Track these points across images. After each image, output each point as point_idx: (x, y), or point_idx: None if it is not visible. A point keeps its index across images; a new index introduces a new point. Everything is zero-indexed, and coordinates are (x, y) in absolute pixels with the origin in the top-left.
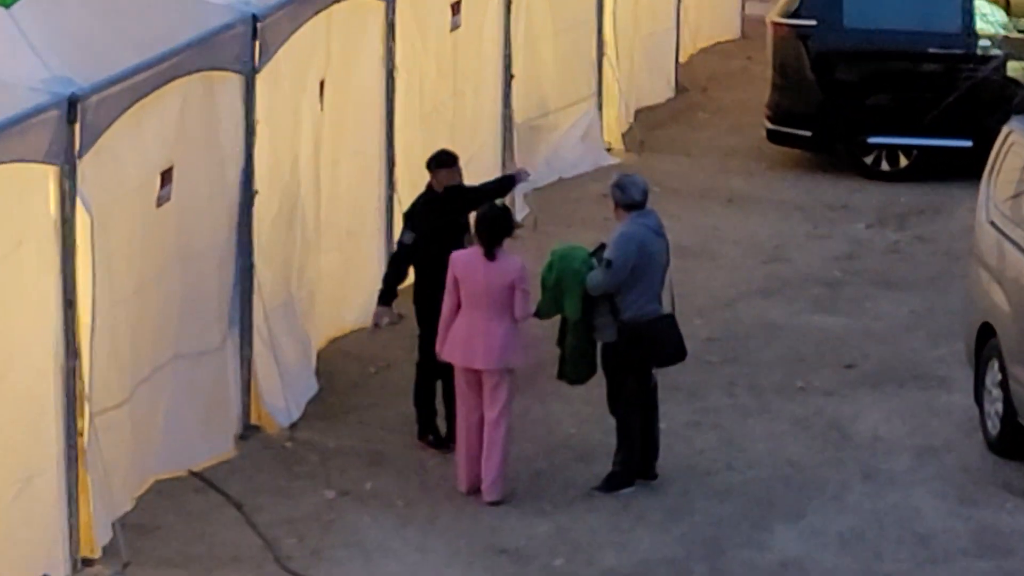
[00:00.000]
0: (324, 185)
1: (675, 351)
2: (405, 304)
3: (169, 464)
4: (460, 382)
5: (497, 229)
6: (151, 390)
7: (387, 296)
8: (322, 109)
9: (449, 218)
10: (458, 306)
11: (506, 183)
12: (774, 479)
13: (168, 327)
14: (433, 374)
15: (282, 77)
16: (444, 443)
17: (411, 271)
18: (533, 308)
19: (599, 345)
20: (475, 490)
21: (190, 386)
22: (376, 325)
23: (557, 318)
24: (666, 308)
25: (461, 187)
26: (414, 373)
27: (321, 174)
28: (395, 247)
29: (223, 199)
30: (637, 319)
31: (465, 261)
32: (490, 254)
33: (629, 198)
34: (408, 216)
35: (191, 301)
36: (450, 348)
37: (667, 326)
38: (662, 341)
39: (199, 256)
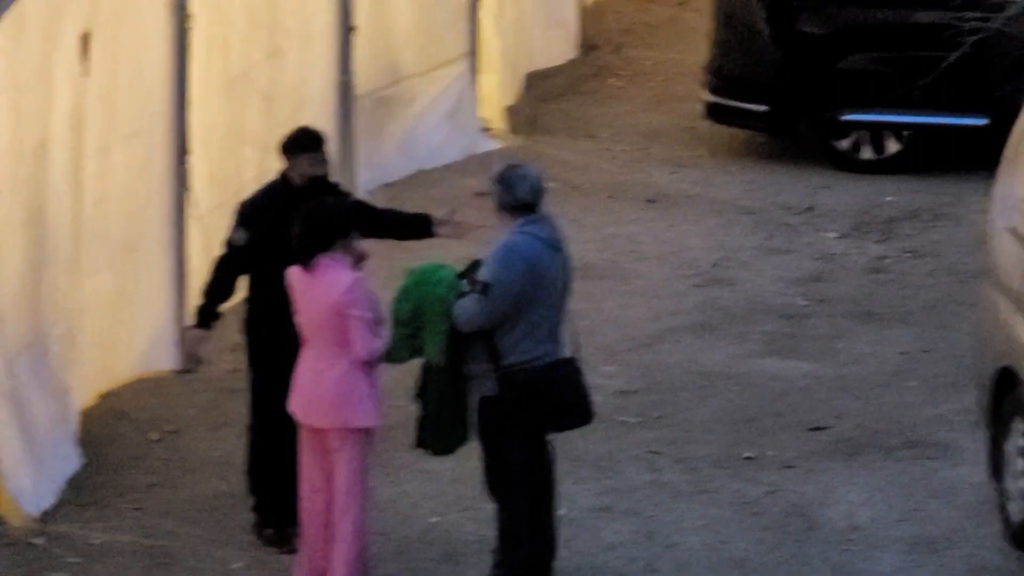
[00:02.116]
0: (88, 180)
1: (577, 410)
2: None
3: None
4: (302, 446)
5: (317, 228)
6: None
7: (207, 314)
8: (87, 74)
9: None
10: None
11: (418, 226)
12: None
13: None
14: (271, 438)
15: (28, 29)
16: (287, 539)
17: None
18: (382, 344)
19: (474, 401)
20: None
21: None
22: (192, 358)
23: (416, 363)
24: (564, 350)
25: (328, 183)
26: (219, 440)
27: (84, 164)
28: (220, 250)
29: None
30: (524, 365)
31: (292, 276)
32: (306, 263)
33: (515, 197)
34: (243, 209)
35: None
36: (291, 395)
37: (567, 374)
38: (559, 395)
39: None
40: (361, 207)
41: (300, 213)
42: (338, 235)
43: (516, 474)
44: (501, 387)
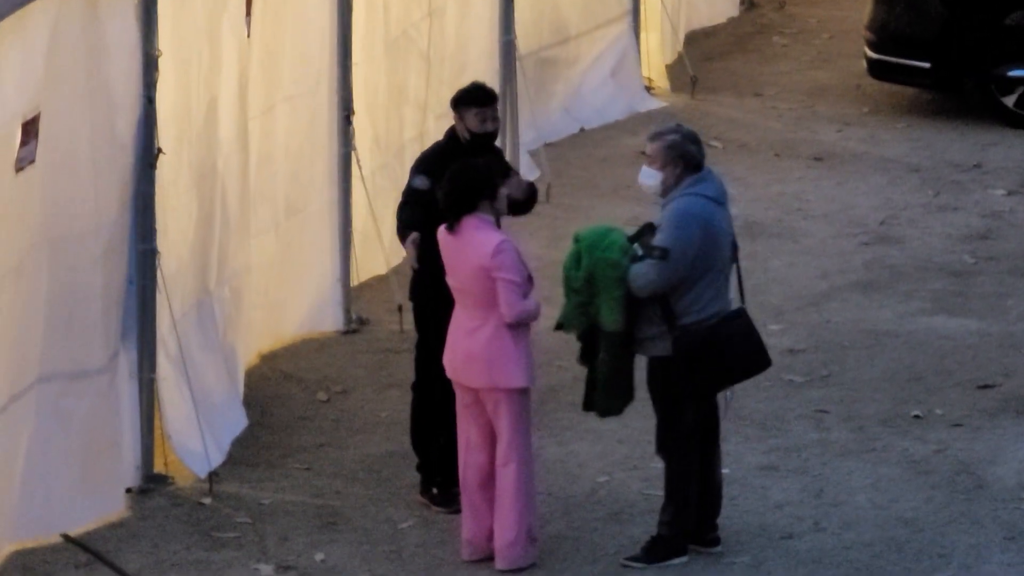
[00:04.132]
0: (254, 141)
1: (756, 358)
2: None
3: (35, 528)
4: (458, 404)
5: (461, 188)
6: (7, 426)
7: (408, 230)
8: (249, 35)
9: None
10: None
11: (532, 199)
12: (881, 543)
13: (31, 339)
14: (435, 399)
15: None
16: (452, 498)
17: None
18: (531, 306)
19: (646, 363)
20: (483, 557)
21: (63, 420)
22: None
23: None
24: (731, 304)
25: (493, 140)
26: (386, 401)
27: (250, 126)
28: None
29: (111, 161)
30: (699, 325)
31: (442, 240)
32: (451, 225)
33: (702, 155)
34: (422, 161)
35: (65, 302)
36: (445, 352)
37: (740, 327)
38: (737, 347)
39: (77, 239)
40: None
41: (446, 173)
42: (483, 196)
43: (688, 433)
44: (677, 347)
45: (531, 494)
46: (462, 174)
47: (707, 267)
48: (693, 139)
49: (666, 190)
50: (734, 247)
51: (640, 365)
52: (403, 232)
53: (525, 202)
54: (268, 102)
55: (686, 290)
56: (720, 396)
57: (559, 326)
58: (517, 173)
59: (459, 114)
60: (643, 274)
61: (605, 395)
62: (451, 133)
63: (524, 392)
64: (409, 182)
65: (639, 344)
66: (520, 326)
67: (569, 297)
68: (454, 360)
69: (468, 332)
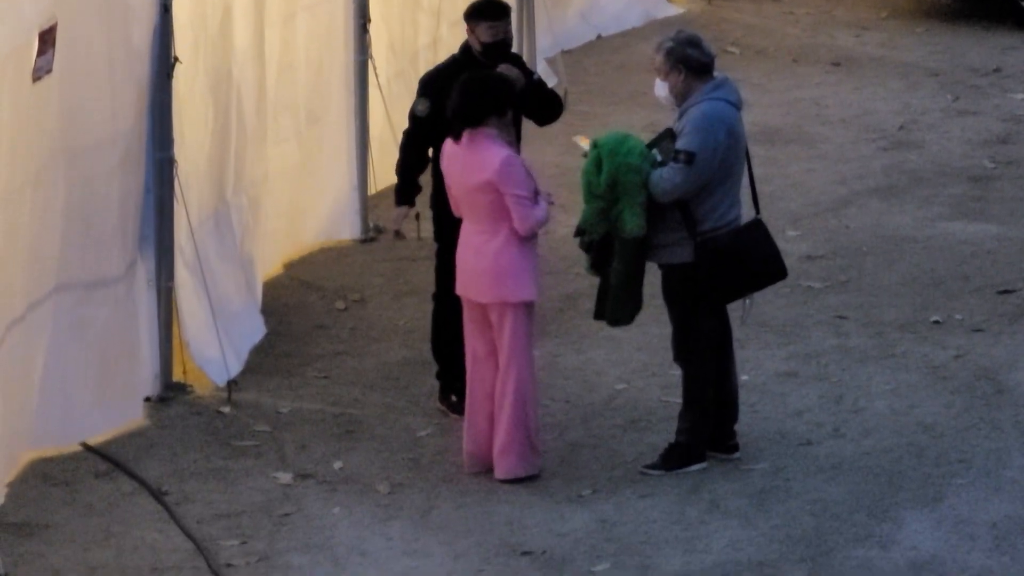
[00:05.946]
0: (272, 49)
1: (774, 267)
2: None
3: (54, 436)
4: (465, 319)
5: (470, 100)
6: (25, 334)
7: (405, 192)
8: None
9: None
10: None
11: (557, 105)
12: (901, 449)
13: (48, 248)
14: (454, 308)
15: None
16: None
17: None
18: (541, 214)
19: (661, 271)
20: (483, 469)
21: (81, 329)
22: (397, 233)
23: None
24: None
25: (508, 51)
26: (403, 309)
27: (267, 33)
28: (404, 123)
29: (128, 70)
30: (720, 231)
31: (447, 151)
32: (457, 135)
33: (707, 56)
34: (425, 79)
35: (82, 212)
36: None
37: (760, 234)
38: (757, 256)
39: (94, 149)
40: (529, 73)
41: (456, 85)
42: (491, 110)
43: (706, 339)
44: (699, 254)
45: (530, 405)
46: (471, 86)
47: (728, 173)
48: (691, 42)
49: (678, 98)
50: (747, 156)
51: (653, 272)
52: (400, 184)
53: (551, 111)
54: (289, 10)
55: (707, 196)
56: (739, 302)
57: (579, 232)
58: (539, 77)
59: (471, 27)
60: (668, 179)
61: (616, 304)
62: (465, 46)
63: (530, 305)
64: (412, 107)
65: (657, 251)
66: (529, 239)
67: (590, 202)
68: (463, 275)
69: (476, 247)
